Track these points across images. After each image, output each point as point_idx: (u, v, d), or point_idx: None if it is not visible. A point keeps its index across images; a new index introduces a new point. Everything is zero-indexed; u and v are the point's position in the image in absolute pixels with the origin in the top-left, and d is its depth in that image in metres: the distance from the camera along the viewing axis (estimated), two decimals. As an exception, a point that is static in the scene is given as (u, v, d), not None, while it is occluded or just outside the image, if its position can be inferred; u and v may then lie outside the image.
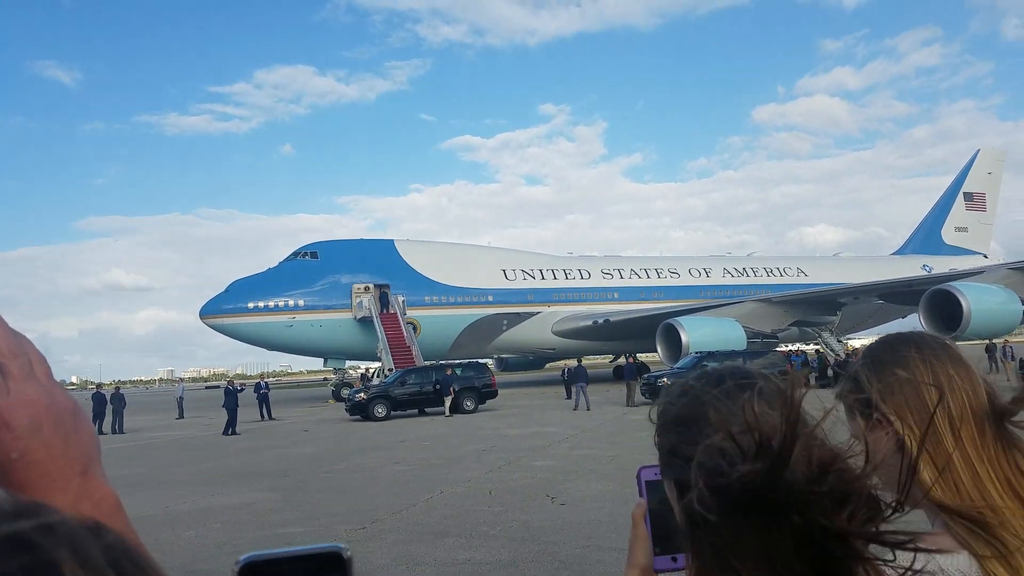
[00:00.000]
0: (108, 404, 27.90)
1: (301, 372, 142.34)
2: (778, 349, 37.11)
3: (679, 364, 28.06)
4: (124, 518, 0.70)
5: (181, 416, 33.46)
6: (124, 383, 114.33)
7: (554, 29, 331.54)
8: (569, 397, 29.32)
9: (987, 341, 32.63)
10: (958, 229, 55.46)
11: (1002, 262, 43.88)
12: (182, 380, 46.09)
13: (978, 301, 28.47)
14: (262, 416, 28.54)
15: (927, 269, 47.59)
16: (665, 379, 25.60)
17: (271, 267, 38.43)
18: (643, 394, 26.01)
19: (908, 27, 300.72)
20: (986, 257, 53.40)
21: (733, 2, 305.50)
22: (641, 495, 1.02)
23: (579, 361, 29.29)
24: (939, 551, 0.99)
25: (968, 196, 55.81)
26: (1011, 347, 32.48)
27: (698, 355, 27.53)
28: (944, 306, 29.03)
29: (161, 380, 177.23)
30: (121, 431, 27.01)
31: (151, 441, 23.13)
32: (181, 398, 35.39)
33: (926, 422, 1.14)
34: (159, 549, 8.21)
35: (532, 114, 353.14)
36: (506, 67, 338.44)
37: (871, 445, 1.17)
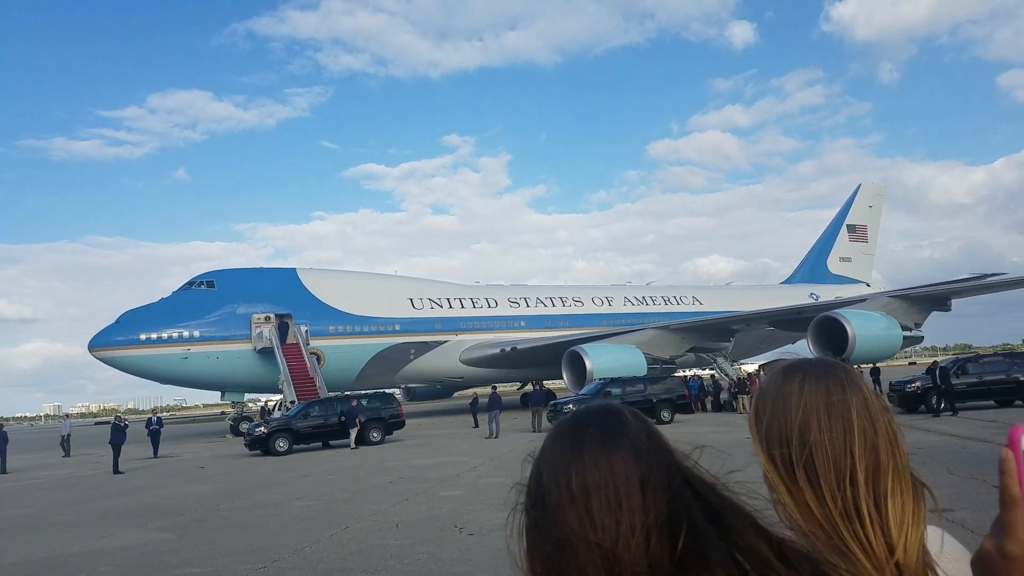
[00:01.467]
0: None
1: (196, 406, 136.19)
2: (676, 375, 38.31)
3: (584, 390, 28.60)
4: None
5: (67, 455, 31.41)
6: (7, 419, 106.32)
7: (457, 62, 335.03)
8: (477, 426, 29.36)
9: (871, 365, 34.67)
10: (842, 259, 58.91)
11: (883, 290, 47.02)
12: (68, 416, 43.14)
13: (862, 327, 30.40)
14: (155, 453, 27.19)
15: (814, 297, 50.32)
16: (571, 405, 26.05)
17: (165, 297, 36.79)
18: (550, 420, 26.34)
19: (793, 68, 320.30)
20: (869, 285, 56.88)
21: (628, 41, 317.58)
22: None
23: (494, 389, 29.39)
24: None
25: (851, 228, 59.45)
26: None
27: (602, 381, 28.15)
28: (831, 332, 30.84)
29: (47, 416, 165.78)
30: (4, 471, 25.17)
31: (36, 481, 21.65)
32: (67, 436, 33.22)
33: (782, 452, 1.17)
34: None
35: (437, 144, 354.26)
36: (409, 98, 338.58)
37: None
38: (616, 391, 26.16)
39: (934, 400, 22.47)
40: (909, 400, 23.43)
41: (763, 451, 1.21)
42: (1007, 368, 23.01)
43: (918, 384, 23.56)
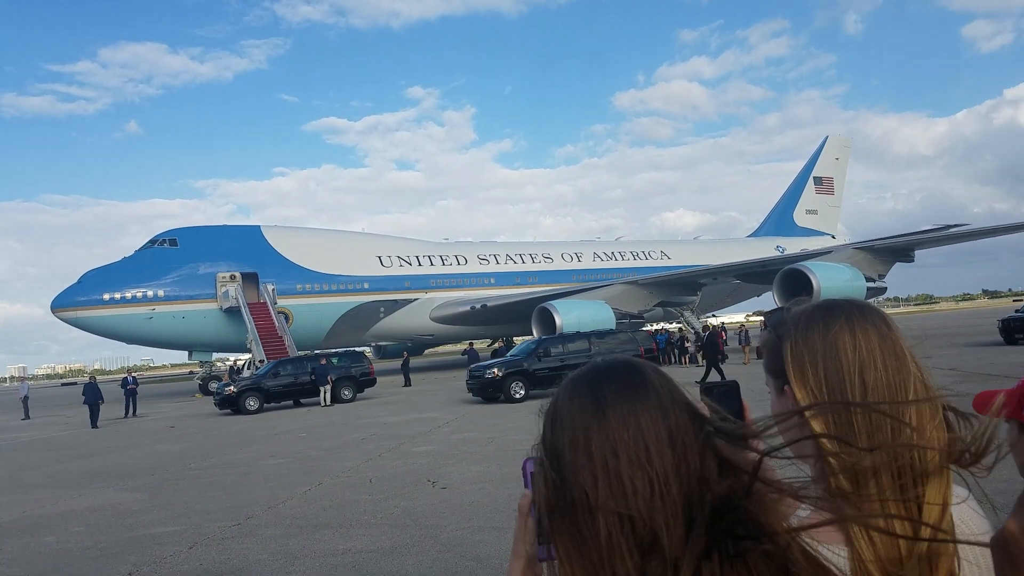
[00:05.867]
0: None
1: (164, 366, 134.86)
2: (644, 328, 38.77)
3: (515, 351, 28.65)
4: None
5: (27, 417, 31.01)
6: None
7: (419, 12, 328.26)
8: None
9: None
10: (809, 212, 59.51)
11: (848, 242, 47.73)
12: (24, 379, 42.51)
13: (827, 279, 30.89)
14: (127, 413, 26.97)
15: (780, 250, 50.95)
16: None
17: (127, 256, 36.10)
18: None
19: (759, 19, 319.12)
20: (834, 238, 57.67)
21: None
22: (527, 486, 1.01)
23: (470, 345, 29.68)
24: (824, 522, 0.98)
25: (818, 180, 59.89)
26: (747, 330, 33.96)
27: (540, 339, 28.01)
28: (796, 284, 31.30)
29: (12, 378, 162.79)
30: (-37, 435, 24.82)
31: (2, 443, 21.34)
32: (26, 397, 32.76)
33: (832, 395, 1.12)
34: (18, 557, 7.69)
35: (400, 97, 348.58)
36: (370, 48, 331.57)
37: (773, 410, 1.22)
38: (556, 350, 22.90)
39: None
40: None
41: (812, 399, 1.14)
42: None
43: None
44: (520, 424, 15.22)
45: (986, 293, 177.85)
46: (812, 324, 1.18)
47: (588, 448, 0.91)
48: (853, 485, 1.08)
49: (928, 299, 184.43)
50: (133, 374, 29.49)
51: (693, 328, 37.90)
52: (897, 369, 1.12)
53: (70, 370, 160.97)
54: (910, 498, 1.08)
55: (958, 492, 1.13)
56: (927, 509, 1.08)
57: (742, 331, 33.47)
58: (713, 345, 24.42)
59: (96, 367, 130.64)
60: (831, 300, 1.23)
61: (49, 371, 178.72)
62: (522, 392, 20.98)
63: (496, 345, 45.78)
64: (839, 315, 1.17)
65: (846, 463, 1.08)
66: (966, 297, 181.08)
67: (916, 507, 1.08)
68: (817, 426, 1.11)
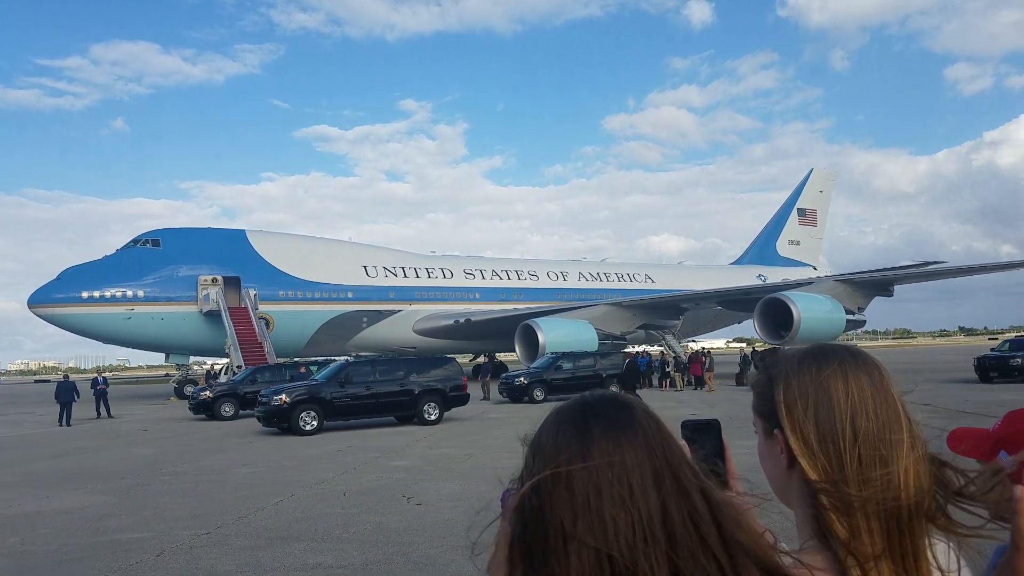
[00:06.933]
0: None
1: (140, 367, 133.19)
2: (626, 350, 38.84)
3: (536, 364, 28.85)
4: None
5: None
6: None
7: (414, 25, 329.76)
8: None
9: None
10: (791, 242, 60.12)
11: (829, 274, 48.19)
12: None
13: (807, 310, 31.16)
14: (98, 413, 26.56)
15: (762, 279, 51.34)
16: (522, 379, 26.26)
17: (108, 255, 35.71)
18: (501, 393, 26.61)
19: (748, 51, 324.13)
20: (815, 269, 58.28)
21: (588, 14, 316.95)
22: (504, 518, 0.98)
23: (452, 359, 29.71)
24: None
25: (801, 212, 60.57)
26: (710, 356, 33.08)
27: (553, 355, 28.43)
28: (777, 313, 31.55)
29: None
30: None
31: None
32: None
33: (823, 441, 1.11)
34: (-27, 563, 7.52)
35: (392, 109, 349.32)
36: (365, 59, 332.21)
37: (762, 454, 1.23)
38: (568, 365, 26.61)
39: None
40: None
41: (802, 445, 1.12)
42: None
43: None
44: (499, 442, 15.14)
45: (962, 330, 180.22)
46: (805, 368, 1.16)
47: (570, 484, 0.88)
48: (847, 531, 1.07)
49: (906, 333, 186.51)
50: (104, 374, 29.06)
51: (675, 352, 38.00)
52: (888, 419, 1.11)
53: (44, 367, 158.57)
54: (905, 547, 1.08)
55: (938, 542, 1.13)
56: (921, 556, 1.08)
57: (706, 357, 32.93)
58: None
59: (71, 365, 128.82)
60: (825, 344, 1.22)
61: (22, 367, 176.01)
62: (542, 395, 25.05)
63: (479, 360, 45.70)
64: (833, 360, 1.16)
65: (839, 507, 1.08)
66: (943, 333, 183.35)
67: (912, 555, 1.08)
68: (812, 473, 1.11)
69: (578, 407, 0.97)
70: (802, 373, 1.16)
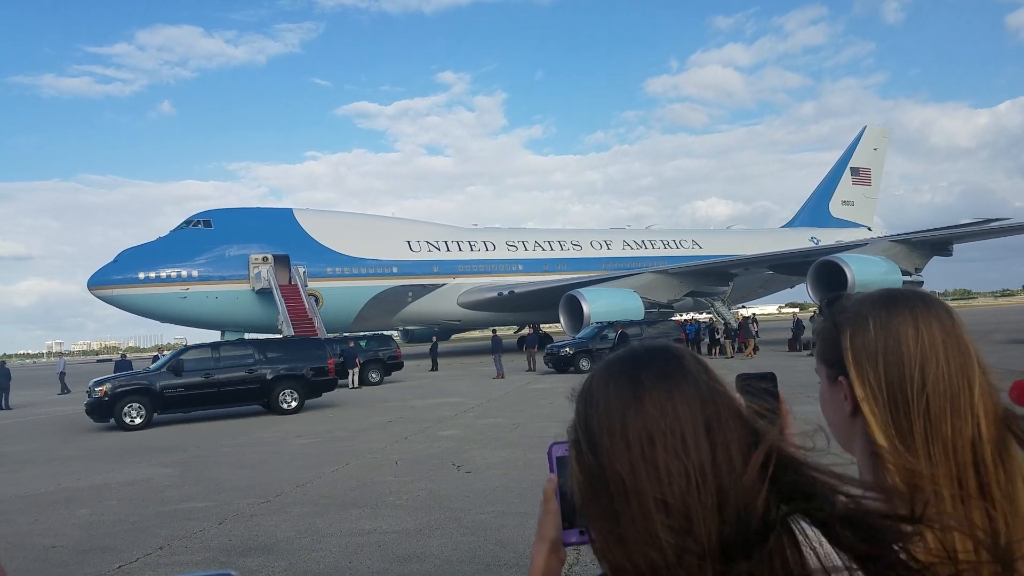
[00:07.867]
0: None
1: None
2: (673, 319, 38.48)
3: (581, 334, 28.82)
4: None
5: (65, 391, 31.76)
6: (9, 356, 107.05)
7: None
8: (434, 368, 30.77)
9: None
10: (845, 203, 58.43)
11: (884, 235, 46.83)
12: (62, 355, 43.51)
13: (861, 272, 30.33)
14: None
15: (815, 241, 50.17)
16: (568, 349, 26.29)
17: (162, 236, 36.69)
18: (546, 363, 26.67)
19: (796, 5, 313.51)
20: (870, 230, 56.59)
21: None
22: (552, 471, 1.01)
23: (495, 332, 29.89)
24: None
25: (855, 171, 58.67)
26: (745, 323, 32.84)
27: (599, 325, 28.35)
28: (830, 276, 30.79)
29: (50, 353, 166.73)
30: (7, 407, 25.53)
31: (39, 417, 21.91)
32: (63, 373, 33.56)
33: (891, 389, 1.08)
34: (52, 528, 7.89)
35: (430, 82, 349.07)
36: (402, 33, 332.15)
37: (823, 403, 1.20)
38: (613, 335, 26.42)
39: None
40: None
41: (869, 393, 1.10)
42: None
43: None
44: (546, 412, 15.23)
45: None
46: (874, 313, 1.13)
47: (625, 434, 0.89)
48: (910, 488, 1.02)
49: (966, 294, 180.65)
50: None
51: (724, 319, 37.53)
52: (961, 366, 1.07)
53: (105, 347, 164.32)
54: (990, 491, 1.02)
55: None
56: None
57: (754, 323, 32.32)
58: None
59: (131, 344, 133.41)
60: (893, 290, 1.18)
61: (85, 347, 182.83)
62: (587, 365, 24.81)
63: (523, 332, 45.84)
64: (902, 305, 1.12)
65: (902, 466, 1.04)
66: (1006, 293, 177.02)
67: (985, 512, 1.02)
68: (875, 426, 1.08)
69: (629, 358, 0.97)
70: (870, 319, 1.13)
